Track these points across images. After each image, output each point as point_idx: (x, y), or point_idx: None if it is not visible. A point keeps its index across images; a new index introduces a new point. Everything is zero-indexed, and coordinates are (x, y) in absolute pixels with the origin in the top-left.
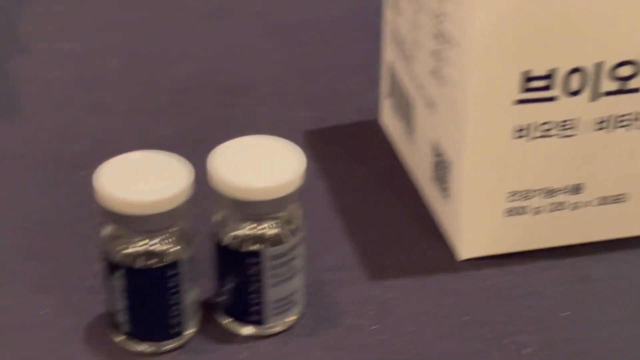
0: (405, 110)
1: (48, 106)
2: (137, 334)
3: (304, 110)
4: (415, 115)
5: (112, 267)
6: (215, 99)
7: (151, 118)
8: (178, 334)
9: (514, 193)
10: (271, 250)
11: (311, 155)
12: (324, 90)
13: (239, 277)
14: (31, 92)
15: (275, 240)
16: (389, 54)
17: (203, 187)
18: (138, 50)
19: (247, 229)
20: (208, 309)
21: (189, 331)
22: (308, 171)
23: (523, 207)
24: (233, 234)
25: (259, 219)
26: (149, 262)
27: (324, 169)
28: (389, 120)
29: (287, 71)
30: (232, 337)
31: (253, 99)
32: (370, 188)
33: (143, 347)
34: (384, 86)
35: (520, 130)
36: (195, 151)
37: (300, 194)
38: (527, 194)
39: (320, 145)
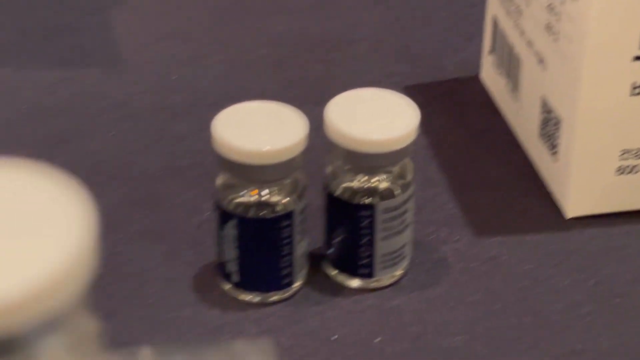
0: (510, 66)
1: (147, 58)
2: (245, 284)
3: (402, 65)
4: (522, 72)
5: (225, 216)
6: (313, 53)
7: (250, 71)
8: (287, 285)
9: (626, 151)
10: (383, 204)
11: None
12: (423, 45)
13: (350, 230)
14: (131, 44)
15: (387, 194)
16: (493, 9)
17: (313, 140)
18: (235, 2)
19: (359, 182)
20: (316, 261)
21: (297, 283)
22: None
23: (634, 166)
24: (345, 185)
25: (372, 171)
26: (262, 213)
27: (425, 124)
28: (491, 76)
29: (385, 26)
30: (339, 290)
31: (351, 55)
32: (472, 145)
33: (250, 297)
34: (486, 42)
35: (637, 87)
36: (299, 105)
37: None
38: (638, 152)
39: (420, 101)
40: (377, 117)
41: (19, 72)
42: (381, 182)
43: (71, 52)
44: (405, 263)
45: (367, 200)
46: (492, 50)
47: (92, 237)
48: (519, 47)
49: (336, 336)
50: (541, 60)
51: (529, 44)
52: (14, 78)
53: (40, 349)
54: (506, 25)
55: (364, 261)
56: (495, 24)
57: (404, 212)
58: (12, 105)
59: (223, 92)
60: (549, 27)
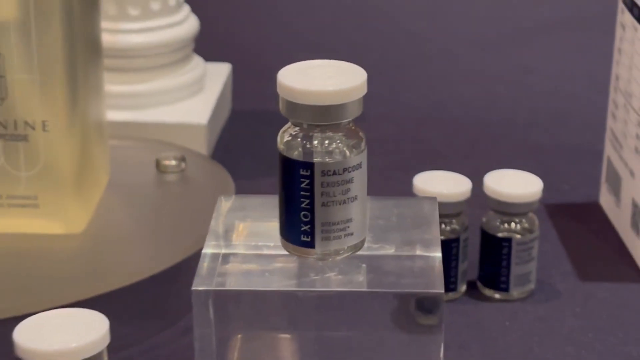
0: (615, 184)
1: None
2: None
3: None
4: (622, 185)
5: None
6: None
7: None
8: (453, 289)
9: None
10: (519, 239)
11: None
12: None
13: (494, 257)
14: None
15: (523, 232)
16: (608, 150)
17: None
18: None
19: (503, 224)
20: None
21: (460, 290)
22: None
23: None
24: (494, 225)
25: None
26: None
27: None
28: (605, 197)
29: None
30: (486, 299)
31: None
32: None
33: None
34: (603, 174)
35: None
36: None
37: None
38: None
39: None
40: (518, 184)
41: None
42: (517, 224)
43: None
44: (531, 286)
45: (506, 235)
46: (607, 179)
47: None
48: (620, 170)
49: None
50: (632, 174)
51: (625, 164)
52: None
53: None
54: (614, 158)
55: (503, 279)
56: (609, 160)
57: (532, 248)
58: None
59: None
60: (637, 150)
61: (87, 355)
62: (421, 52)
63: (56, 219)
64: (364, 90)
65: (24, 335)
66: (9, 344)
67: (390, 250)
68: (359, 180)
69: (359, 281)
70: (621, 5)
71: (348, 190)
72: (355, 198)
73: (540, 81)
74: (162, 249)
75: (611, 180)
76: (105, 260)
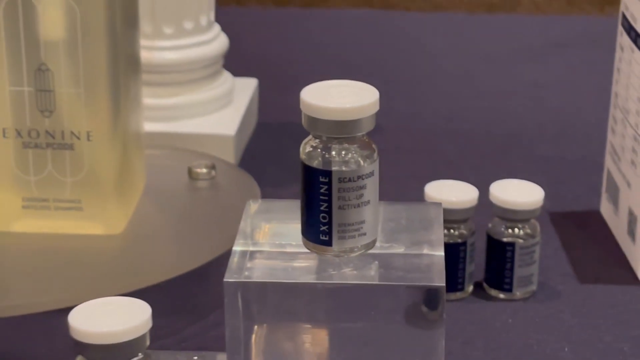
0: (614, 194)
1: None
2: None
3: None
4: (620, 195)
5: None
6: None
7: None
8: (461, 289)
9: None
10: (521, 244)
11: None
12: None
13: (499, 259)
14: None
15: (526, 237)
16: (608, 163)
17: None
18: None
19: (507, 230)
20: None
21: (467, 290)
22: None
23: None
24: (498, 230)
25: (515, 223)
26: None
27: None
28: (605, 207)
29: None
30: (490, 298)
31: None
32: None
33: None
34: (604, 185)
35: None
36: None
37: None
38: None
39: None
40: (521, 193)
41: None
42: (520, 230)
43: None
44: (533, 287)
45: (510, 240)
46: (607, 189)
47: None
48: (619, 182)
49: (511, 320)
50: (629, 184)
51: (623, 176)
52: None
53: None
54: (613, 170)
55: (507, 280)
56: (609, 172)
57: (533, 252)
58: None
59: None
60: (632, 162)
61: (132, 337)
62: (437, 69)
63: (98, 220)
64: (377, 108)
65: (77, 319)
66: (60, 331)
67: (399, 249)
68: (371, 187)
69: (371, 275)
70: (620, 28)
71: (362, 195)
72: (368, 202)
73: (548, 96)
74: (193, 249)
75: (610, 190)
76: (142, 258)
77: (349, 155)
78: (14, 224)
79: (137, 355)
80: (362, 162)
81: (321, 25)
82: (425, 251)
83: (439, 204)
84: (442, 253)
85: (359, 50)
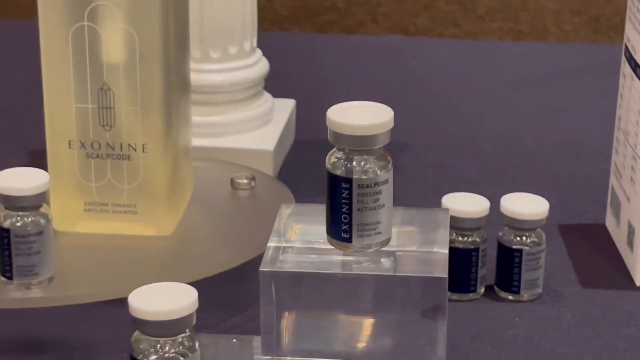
0: (617, 208)
1: None
2: (451, 287)
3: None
4: (621, 208)
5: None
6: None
7: None
8: (474, 291)
9: None
10: (528, 250)
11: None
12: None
13: (507, 264)
14: None
15: (532, 245)
16: (612, 180)
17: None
18: None
19: (516, 238)
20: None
21: (479, 291)
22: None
23: None
24: (507, 239)
25: (521, 232)
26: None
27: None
28: (609, 221)
29: None
30: (500, 299)
31: None
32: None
33: (448, 295)
34: (609, 200)
35: None
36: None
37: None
38: None
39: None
40: (528, 205)
41: None
42: (527, 238)
43: None
44: (539, 290)
45: (518, 247)
46: (611, 204)
47: None
48: (621, 196)
49: (517, 319)
50: (628, 199)
51: (624, 191)
52: None
53: None
54: (617, 187)
55: (515, 283)
56: (613, 188)
57: (539, 258)
58: None
59: None
60: (631, 179)
61: (181, 315)
62: (464, 92)
63: (150, 223)
64: (391, 125)
65: (135, 299)
66: (116, 318)
67: (411, 247)
68: (386, 192)
69: (386, 267)
70: (623, 58)
71: (378, 199)
72: (383, 205)
73: (565, 119)
74: (234, 250)
75: (614, 205)
76: (188, 257)
77: (368, 165)
78: (77, 224)
79: (185, 332)
80: (378, 171)
81: (358, 51)
82: (432, 249)
83: (446, 210)
84: (446, 251)
85: (392, 74)
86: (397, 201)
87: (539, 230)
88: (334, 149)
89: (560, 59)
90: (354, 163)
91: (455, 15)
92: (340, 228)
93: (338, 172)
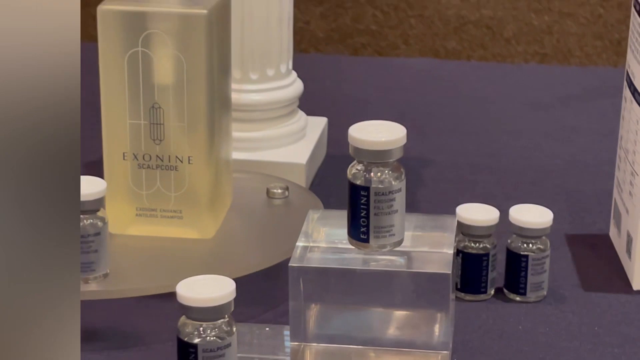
0: (618, 220)
1: None
2: (463, 288)
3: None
4: (621, 220)
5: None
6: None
7: None
8: (484, 292)
9: None
10: (534, 256)
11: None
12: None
13: (514, 268)
14: None
15: (538, 251)
16: (615, 194)
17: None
18: None
19: (523, 244)
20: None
21: (489, 292)
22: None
23: None
24: (515, 245)
25: (527, 239)
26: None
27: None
28: (612, 232)
29: None
30: (509, 300)
31: None
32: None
33: (461, 295)
34: (612, 214)
35: None
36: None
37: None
38: None
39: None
40: (534, 215)
41: None
42: (533, 245)
43: None
44: (544, 292)
45: (525, 253)
46: (614, 216)
47: None
48: (622, 209)
49: (521, 327)
50: (627, 211)
51: (624, 204)
52: None
53: None
54: (619, 200)
55: (522, 285)
56: (615, 202)
57: (544, 263)
58: None
59: None
60: (629, 193)
61: (221, 303)
62: (486, 113)
63: (194, 227)
64: (404, 141)
65: (182, 288)
66: (163, 310)
67: (421, 248)
68: (399, 199)
69: (400, 264)
70: (625, 82)
71: (392, 205)
72: (397, 211)
73: (579, 138)
74: (268, 252)
75: (616, 217)
76: (227, 258)
77: (384, 176)
78: (129, 228)
79: (224, 317)
80: (393, 181)
81: (389, 72)
82: (440, 250)
83: (453, 217)
84: (452, 252)
85: (419, 94)
86: (420, 210)
87: (544, 237)
88: (355, 162)
89: (579, 82)
90: (372, 174)
91: (483, 38)
92: (359, 230)
93: (358, 182)
